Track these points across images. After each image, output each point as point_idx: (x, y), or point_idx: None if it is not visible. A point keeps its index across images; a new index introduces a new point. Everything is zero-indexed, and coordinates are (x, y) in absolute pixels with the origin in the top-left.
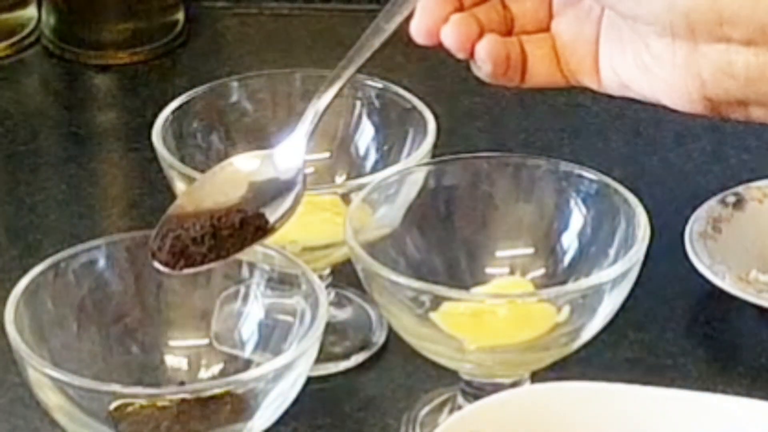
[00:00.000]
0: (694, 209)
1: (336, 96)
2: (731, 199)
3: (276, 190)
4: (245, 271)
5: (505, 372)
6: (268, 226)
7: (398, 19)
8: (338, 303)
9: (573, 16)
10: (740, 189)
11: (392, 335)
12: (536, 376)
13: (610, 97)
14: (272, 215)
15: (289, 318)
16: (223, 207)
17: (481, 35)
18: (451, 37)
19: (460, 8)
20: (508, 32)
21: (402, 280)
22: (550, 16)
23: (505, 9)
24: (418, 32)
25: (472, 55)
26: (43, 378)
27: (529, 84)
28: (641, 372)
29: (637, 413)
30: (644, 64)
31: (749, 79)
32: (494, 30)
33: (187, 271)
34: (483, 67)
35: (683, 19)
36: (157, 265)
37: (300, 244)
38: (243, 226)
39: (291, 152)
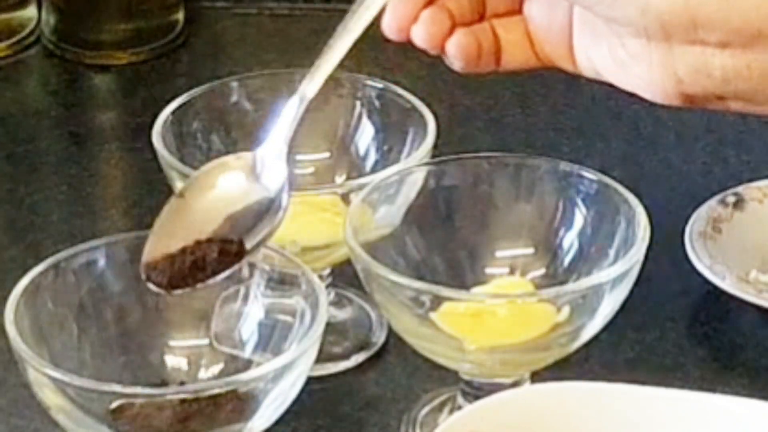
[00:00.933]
0: (694, 209)
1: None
2: (731, 199)
3: (257, 213)
4: (245, 271)
5: (505, 372)
6: (244, 251)
7: (368, 18)
8: (338, 303)
9: (544, 1)
10: (740, 189)
11: (392, 335)
12: (536, 376)
13: (610, 97)
14: (251, 241)
15: (289, 318)
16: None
17: (452, 29)
18: (421, 36)
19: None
20: (480, 17)
21: (402, 280)
22: None
23: None
24: (389, 29)
25: (443, 50)
26: (43, 378)
27: (505, 68)
28: (641, 372)
29: (637, 413)
30: (620, 59)
31: (726, 79)
32: (466, 17)
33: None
34: (455, 62)
35: (657, 23)
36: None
37: (300, 244)
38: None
39: (274, 165)
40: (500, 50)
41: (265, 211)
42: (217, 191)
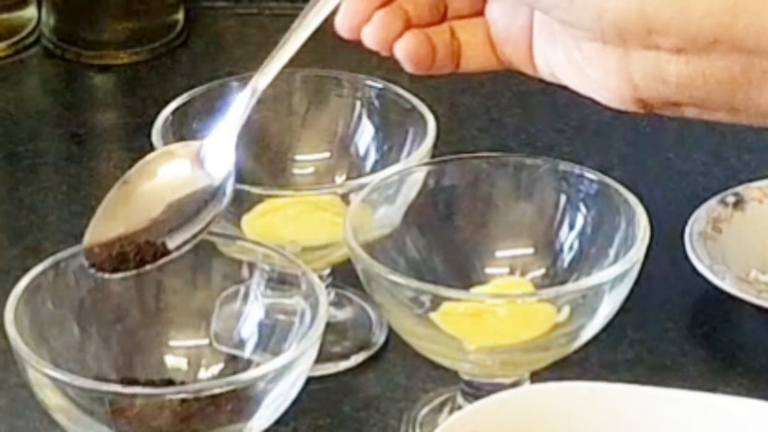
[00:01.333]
0: (694, 209)
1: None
2: (731, 199)
3: (200, 201)
4: (245, 271)
5: (505, 372)
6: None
7: (324, 13)
8: (338, 303)
9: (506, 2)
10: (740, 189)
11: (392, 335)
12: (536, 376)
13: None
14: (175, 241)
15: (289, 318)
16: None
17: (405, 29)
18: (370, 37)
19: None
20: (441, 18)
21: (402, 280)
22: (484, 1)
23: None
24: (341, 27)
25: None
26: (43, 378)
27: (464, 70)
28: (641, 372)
29: (637, 413)
30: (576, 63)
31: (680, 84)
32: (424, 18)
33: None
34: (404, 64)
35: (613, 28)
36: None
37: (300, 244)
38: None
39: (220, 153)
40: (459, 52)
41: (210, 198)
42: (161, 178)
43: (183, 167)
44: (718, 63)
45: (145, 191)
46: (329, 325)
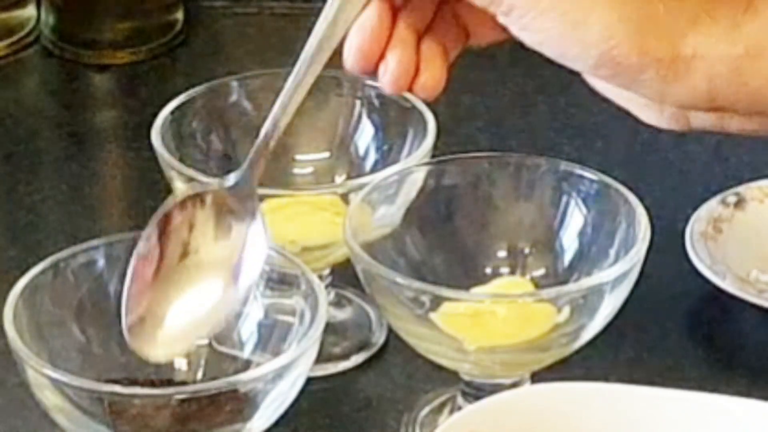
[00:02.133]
0: (694, 209)
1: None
2: (732, 199)
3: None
4: None
5: (505, 372)
6: None
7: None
8: (338, 303)
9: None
10: (741, 189)
11: (392, 335)
12: (536, 377)
13: None
14: None
15: (288, 318)
16: None
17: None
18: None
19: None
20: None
21: (402, 280)
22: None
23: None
24: (352, 67)
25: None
26: (42, 378)
27: (474, 45)
28: (641, 372)
29: (637, 413)
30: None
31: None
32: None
33: None
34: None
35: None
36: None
37: (299, 244)
38: None
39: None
40: (467, 30)
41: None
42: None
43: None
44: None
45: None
46: (329, 325)
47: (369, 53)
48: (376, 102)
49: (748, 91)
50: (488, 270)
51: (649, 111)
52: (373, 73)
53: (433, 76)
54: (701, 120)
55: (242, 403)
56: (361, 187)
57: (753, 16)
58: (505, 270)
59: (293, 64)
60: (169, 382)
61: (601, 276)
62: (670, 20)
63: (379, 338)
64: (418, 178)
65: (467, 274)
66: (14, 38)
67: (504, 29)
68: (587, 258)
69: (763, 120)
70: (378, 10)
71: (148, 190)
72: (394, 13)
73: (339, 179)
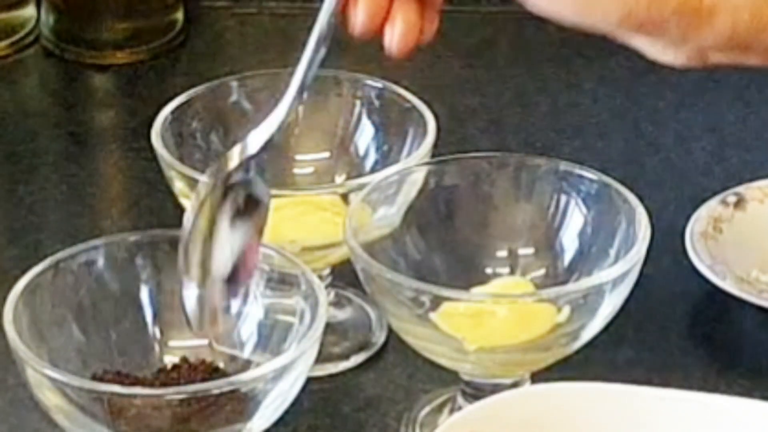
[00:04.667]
0: (694, 209)
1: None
2: (732, 199)
3: None
4: None
5: (505, 372)
6: None
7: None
8: (338, 303)
9: None
10: (741, 189)
11: (392, 335)
12: (536, 377)
13: (610, 97)
14: None
15: (288, 318)
16: None
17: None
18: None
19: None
20: None
21: (402, 280)
22: None
23: None
24: (359, 31)
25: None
26: (42, 378)
27: None
28: (641, 372)
29: (637, 413)
30: None
31: None
32: None
33: None
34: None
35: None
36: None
37: (299, 244)
38: None
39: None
40: None
41: None
42: None
43: None
44: None
45: None
46: (329, 326)
47: (374, 14)
48: (376, 102)
49: None
50: (488, 270)
51: (666, 50)
52: (379, 33)
53: (431, 30)
54: (719, 57)
55: (242, 403)
56: (361, 187)
57: None
58: (505, 270)
59: (293, 64)
60: (169, 382)
61: (601, 276)
62: None
63: (379, 338)
64: (418, 178)
65: (467, 274)
66: (14, 38)
67: None
68: (587, 258)
69: None
70: None
71: (148, 189)
72: None
73: (339, 179)
